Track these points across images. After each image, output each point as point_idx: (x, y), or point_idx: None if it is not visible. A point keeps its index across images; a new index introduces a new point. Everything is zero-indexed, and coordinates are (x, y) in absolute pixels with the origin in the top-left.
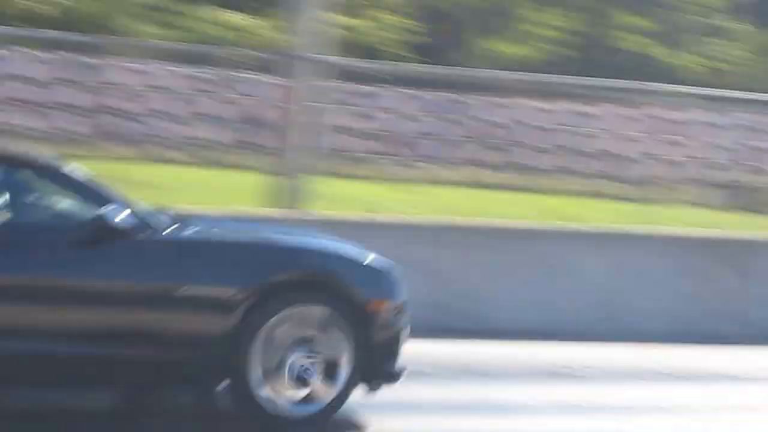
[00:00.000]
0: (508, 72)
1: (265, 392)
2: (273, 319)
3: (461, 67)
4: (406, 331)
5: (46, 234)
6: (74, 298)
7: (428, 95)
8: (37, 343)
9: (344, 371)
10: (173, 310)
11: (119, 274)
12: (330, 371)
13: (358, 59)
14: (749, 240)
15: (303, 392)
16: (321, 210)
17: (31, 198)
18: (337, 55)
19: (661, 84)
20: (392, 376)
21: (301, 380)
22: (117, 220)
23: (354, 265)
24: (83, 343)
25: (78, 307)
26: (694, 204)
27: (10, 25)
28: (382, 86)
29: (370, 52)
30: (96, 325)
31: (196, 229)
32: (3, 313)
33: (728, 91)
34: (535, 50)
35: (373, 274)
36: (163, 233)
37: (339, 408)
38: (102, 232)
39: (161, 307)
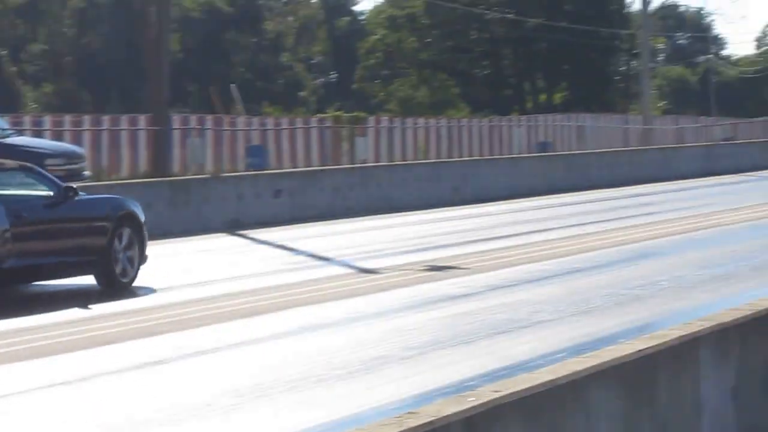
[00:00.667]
0: None
1: (118, 271)
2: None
3: None
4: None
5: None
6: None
7: None
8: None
9: (137, 258)
10: (84, 235)
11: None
12: (132, 259)
13: None
14: None
15: (129, 269)
16: None
17: None
18: None
19: None
20: (146, 259)
21: (129, 263)
22: None
23: (136, 207)
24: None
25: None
26: None
27: None
28: None
29: None
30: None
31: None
32: None
33: None
34: None
35: (141, 210)
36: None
37: (137, 276)
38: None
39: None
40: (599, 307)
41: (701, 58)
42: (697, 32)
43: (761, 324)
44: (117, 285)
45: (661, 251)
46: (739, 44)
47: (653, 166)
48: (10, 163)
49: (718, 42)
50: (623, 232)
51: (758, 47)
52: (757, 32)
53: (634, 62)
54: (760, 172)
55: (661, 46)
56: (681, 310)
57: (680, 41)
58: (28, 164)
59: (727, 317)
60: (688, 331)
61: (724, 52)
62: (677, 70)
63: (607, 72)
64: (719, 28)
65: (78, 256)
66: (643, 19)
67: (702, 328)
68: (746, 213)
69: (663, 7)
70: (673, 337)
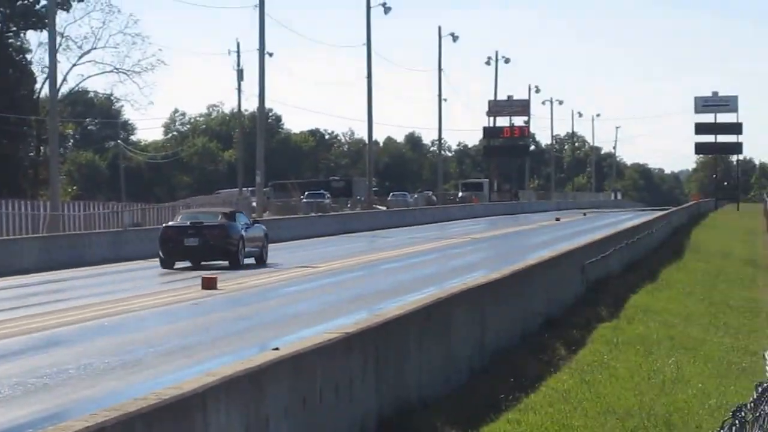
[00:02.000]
0: None
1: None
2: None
3: None
4: None
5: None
6: None
7: None
8: None
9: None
10: (257, 240)
11: None
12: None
13: None
14: None
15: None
16: None
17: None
18: None
19: None
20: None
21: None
22: None
23: (265, 228)
24: None
25: None
26: None
27: None
28: None
29: None
30: None
31: None
32: None
33: None
34: None
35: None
36: None
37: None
38: None
39: None
40: (6, 397)
41: (110, 144)
42: (106, 118)
43: (165, 413)
44: (265, 262)
45: (72, 338)
46: (147, 130)
47: (61, 251)
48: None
49: (127, 127)
50: (34, 319)
51: (166, 133)
52: (164, 118)
53: (43, 148)
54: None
55: (70, 131)
56: (90, 398)
57: (90, 126)
58: (239, 210)
59: (133, 406)
60: (94, 422)
61: (134, 138)
62: (87, 155)
63: (17, 158)
64: (128, 113)
65: (256, 249)
66: (51, 105)
67: (107, 418)
68: (155, 299)
69: (72, 93)
70: (79, 428)
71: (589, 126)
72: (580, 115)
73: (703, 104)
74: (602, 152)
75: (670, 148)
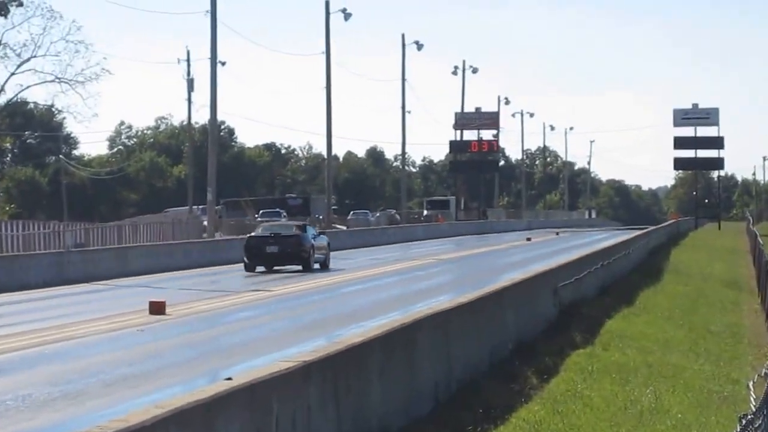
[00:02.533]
0: None
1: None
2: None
3: None
4: None
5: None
6: None
7: None
8: None
9: (329, 257)
10: (324, 248)
11: None
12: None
13: None
14: None
15: (329, 261)
16: None
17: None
18: None
19: None
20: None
21: (329, 259)
22: None
23: (327, 238)
24: None
25: None
26: None
27: None
28: None
29: None
30: None
31: None
32: None
33: None
34: None
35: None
36: None
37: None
38: None
39: None
40: None
41: (52, 158)
42: (47, 130)
43: None
44: (327, 266)
45: (10, 367)
46: (91, 143)
47: None
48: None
49: (69, 141)
50: None
51: (111, 147)
52: (109, 131)
53: None
54: (114, 280)
55: (8, 145)
56: (31, 431)
57: (30, 140)
58: (306, 223)
59: None
60: None
61: (76, 152)
62: (27, 171)
63: None
64: (71, 126)
65: (322, 256)
66: None
67: None
68: (100, 325)
69: (10, 104)
70: None
71: (562, 140)
72: (552, 128)
73: (683, 117)
74: (576, 168)
75: (647, 164)
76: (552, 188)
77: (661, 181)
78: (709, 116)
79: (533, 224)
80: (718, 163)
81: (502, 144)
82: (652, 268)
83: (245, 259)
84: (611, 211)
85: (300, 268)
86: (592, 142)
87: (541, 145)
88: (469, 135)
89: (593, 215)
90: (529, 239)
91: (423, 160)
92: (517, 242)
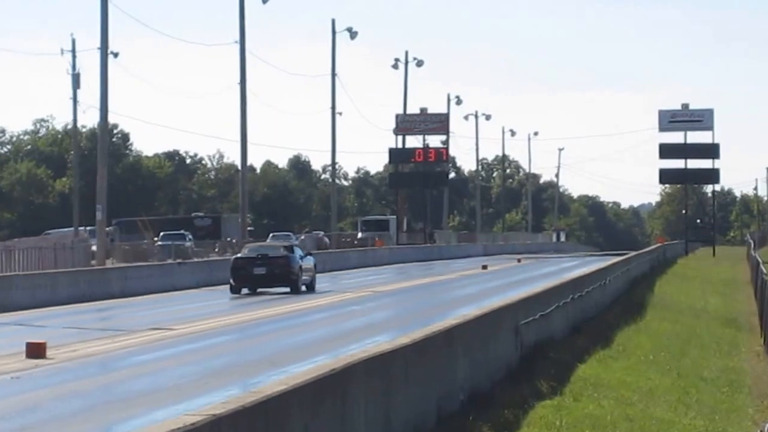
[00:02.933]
0: None
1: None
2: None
3: None
4: None
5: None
6: None
7: None
8: None
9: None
10: (310, 270)
11: None
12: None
13: None
14: None
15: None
16: None
17: None
18: None
19: None
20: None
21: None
22: None
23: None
24: None
25: None
26: None
27: None
28: None
29: None
30: None
31: None
32: None
33: None
34: None
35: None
36: None
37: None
38: None
39: None
40: None
41: None
42: None
43: None
44: (314, 289)
45: None
46: None
47: None
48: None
49: None
50: None
51: None
52: None
53: None
54: None
55: None
56: None
57: None
58: (295, 243)
59: None
60: None
61: None
62: None
63: None
64: None
65: (308, 278)
66: None
67: None
68: None
69: None
70: None
71: (525, 147)
72: (513, 133)
73: (670, 120)
74: (541, 181)
75: (627, 177)
76: (513, 206)
77: (644, 197)
78: (702, 119)
79: (490, 249)
80: (713, 175)
81: (452, 152)
82: (633, 302)
83: (231, 281)
84: (584, 234)
85: (288, 290)
86: (560, 150)
87: (500, 154)
88: (413, 141)
89: (562, 238)
90: (485, 267)
91: (357, 172)
92: (470, 271)
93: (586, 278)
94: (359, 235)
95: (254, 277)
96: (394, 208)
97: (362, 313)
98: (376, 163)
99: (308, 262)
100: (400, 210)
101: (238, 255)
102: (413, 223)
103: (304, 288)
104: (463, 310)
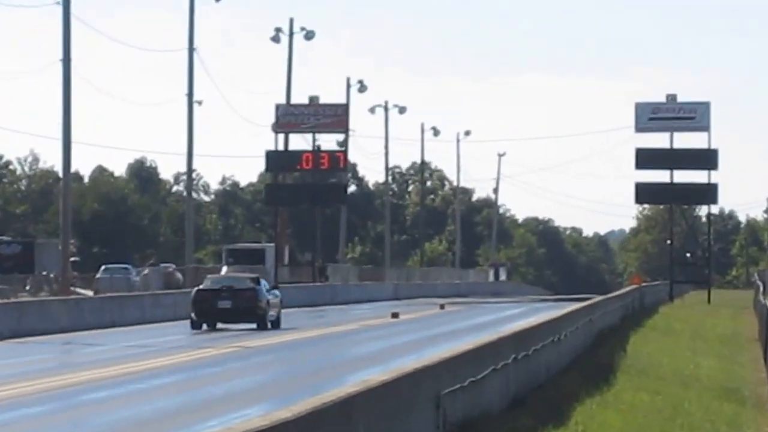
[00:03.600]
0: None
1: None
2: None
3: None
4: None
5: None
6: None
7: None
8: None
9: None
10: (277, 305)
11: None
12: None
13: None
14: None
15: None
16: None
17: None
18: None
19: None
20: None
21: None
22: None
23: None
24: None
25: None
26: None
27: None
28: None
29: None
30: None
31: None
32: None
33: None
34: None
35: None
36: None
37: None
38: None
39: None
40: None
41: None
42: None
43: None
44: (279, 325)
45: None
46: None
47: None
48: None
49: None
50: None
51: None
52: None
53: None
54: None
55: None
56: None
57: None
58: (260, 276)
59: None
60: None
61: None
62: None
63: None
64: None
65: (274, 314)
66: None
67: None
68: None
69: None
70: None
71: (452, 152)
72: (437, 132)
73: (651, 116)
74: (474, 198)
75: (591, 194)
76: (435, 232)
77: (614, 221)
78: (695, 115)
79: (403, 290)
80: (709, 192)
81: (353, 158)
82: (598, 365)
83: (192, 315)
84: (532, 271)
85: (254, 326)
86: (501, 156)
87: (418, 161)
88: (299, 142)
89: (502, 276)
90: (395, 315)
91: (222, 183)
92: (376, 320)
93: (535, 331)
94: (224, 269)
95: (218, 312)
96: (273, 234)
97: (225, 377)
98: (249, 171)
99: (275, 297)
100: (280, 236)
101: (200, 287)
102: (298, 254)
103: (269, 325)
104: (366, 374)
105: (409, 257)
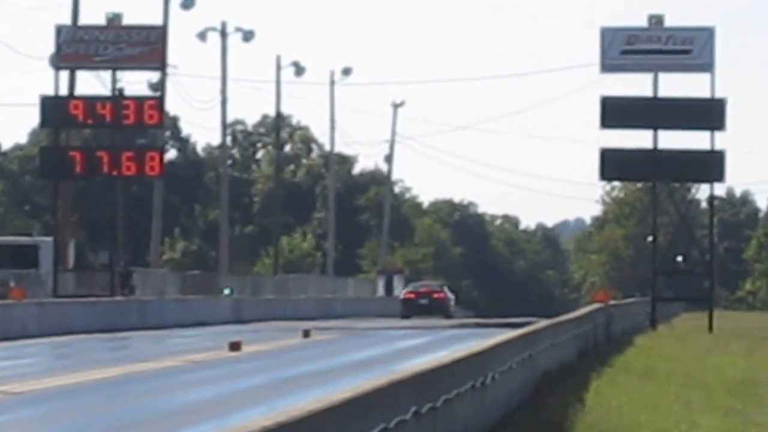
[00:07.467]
0: None
1: None
2: None
3: None
4: None
5: None
6: None
7: None
8: None
9: None
10: None
11: None
12: None
13: None
14: None
15: None
16: None
17: None
18: None
19: None
20: None
21: None
22: None
23: None
24: None
25: None
26: None
27: None
28: None
29: None
30: None
31: None
32: None
33: None
34: None
35: None
36: None
37: None
38: None
39: None
40: None
41: None
42: None
43: None
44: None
45: None
46: None
47: None
48: None
49: None
50: None
51: None
52: None
53: None
54: None
55: None
56: None
57: None
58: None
59: None
60: None
61: None
62: None
63: None
64: None
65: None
66: None
67: None
68: None
69: None
70: None
71: (325, 100)
72: (301, 71)
73: (625, 47)
74: (357, 170)
75: (533, 165)
76: (298, 220)
77: (568, 207)
78: (691, 47)
79: (248, 309)
80: (712, 165)
81: (173, 108)
82: (542, 425)
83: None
84: (444, 280)
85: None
86: (397, 106)
87: (272, 114)
88: (92, 83)
89: (397, 289)
90: (236, 347)
91: None
92: (206, 353)
93: (445, 372)
94: None
95: (419, 307)
96: (52, 222)
97: None
98: (16, 127)
99: (450, 294)
100: (62, 226)
101: (409, 288)
102: (90, 253)
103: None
104: None
105: (258, 259)
